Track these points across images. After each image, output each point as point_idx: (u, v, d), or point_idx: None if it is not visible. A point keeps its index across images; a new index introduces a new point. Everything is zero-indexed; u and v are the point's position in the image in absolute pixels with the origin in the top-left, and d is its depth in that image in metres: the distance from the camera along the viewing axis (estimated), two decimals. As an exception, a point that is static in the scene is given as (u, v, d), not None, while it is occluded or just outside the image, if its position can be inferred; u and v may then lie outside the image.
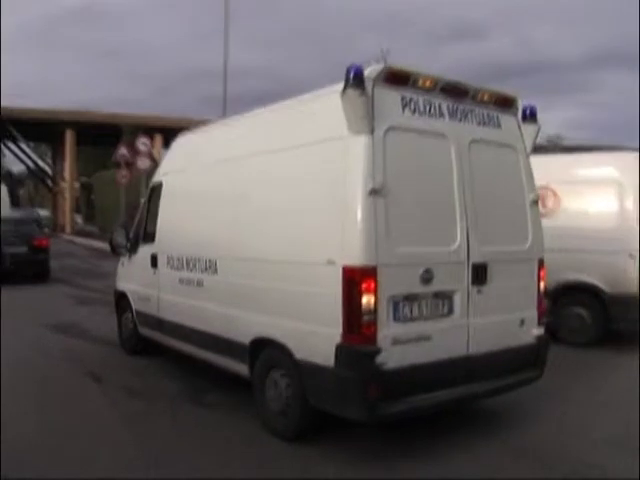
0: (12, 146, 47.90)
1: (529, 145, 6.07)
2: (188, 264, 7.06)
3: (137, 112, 39.15)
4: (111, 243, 8.88)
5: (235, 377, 6.35)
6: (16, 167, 60.18)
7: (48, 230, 41.33)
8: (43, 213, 49.00)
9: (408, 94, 5.19)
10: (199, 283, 6.85)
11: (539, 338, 5.95)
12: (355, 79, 4.79)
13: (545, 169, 9.53)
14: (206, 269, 6.70)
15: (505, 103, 5.92)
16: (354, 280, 4.79)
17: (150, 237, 8.09)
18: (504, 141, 5.88)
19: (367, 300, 4.77)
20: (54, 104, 41.87)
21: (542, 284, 6.05)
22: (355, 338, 4.82)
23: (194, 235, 7.08)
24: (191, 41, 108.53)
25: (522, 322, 5.83)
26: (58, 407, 6.43)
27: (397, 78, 5.13)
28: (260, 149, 6.12)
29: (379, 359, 4.79)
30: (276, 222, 5.75)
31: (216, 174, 6.87)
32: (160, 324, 7.74)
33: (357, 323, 4.79)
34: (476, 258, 5.44)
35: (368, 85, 4.88)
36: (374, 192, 4.80)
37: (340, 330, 4.86)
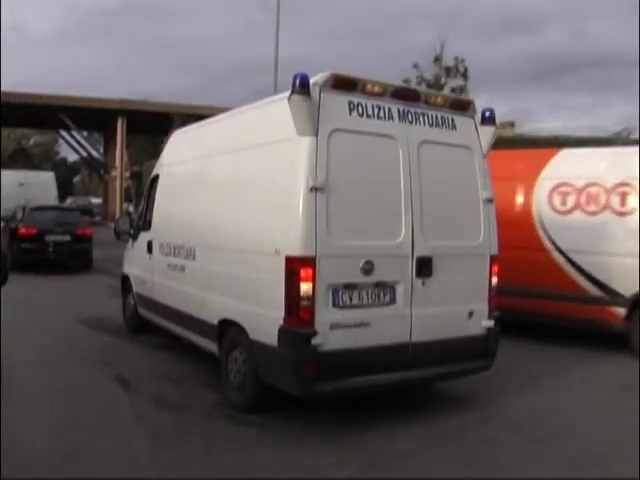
0: (66, 135, 49.54)
1: (486, 146, 6.40)
2: (175, 250, 7.72)
3: (189, 102, 40.29)
4: (115, 230, 9.57)
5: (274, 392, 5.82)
6: (71, 156, 62.45)
7: (99, 218, 42.90)
8: (95, 201, 50.86)
9: (356, 99, 5.62)
10: (182, 268, 7.50)
11: (489, 330, 6.31)
12: (300, 86, 5.26)
13: (625, 163, 8.86)
14: (187, 255, 7.35)
15: (460, 106, 6.29)
16: (294, 269, 5.29)
17: (148, 225, 8.81)
18: (459, 142, 6.24)
19: (305, 287, 5.27)
20: (109, 95, 42.90)
21: (494, 279, 6.40)
22: (294, 321, 5.32)
23: (179, 224, 7.75)
24: (245, 34, 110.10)
25: (470, 314, 6.20)
26: (77, 417, 5.86)
27: (344, 84, 5.57)
28: (226, 148, 6.78)
29: (315, 341, 5.27)
30: (237, 215, 6.32)
31: (194, 169, 7.60)
32: (154, 305, 8.43)
33: (296, 308, 5.30)
34: (421, 252, 5.83)
35: (315, 91, 5.34)
36: (315, 189, 5.27)
37: (283, 314, 5.37)
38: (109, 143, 47.65)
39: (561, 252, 9.21)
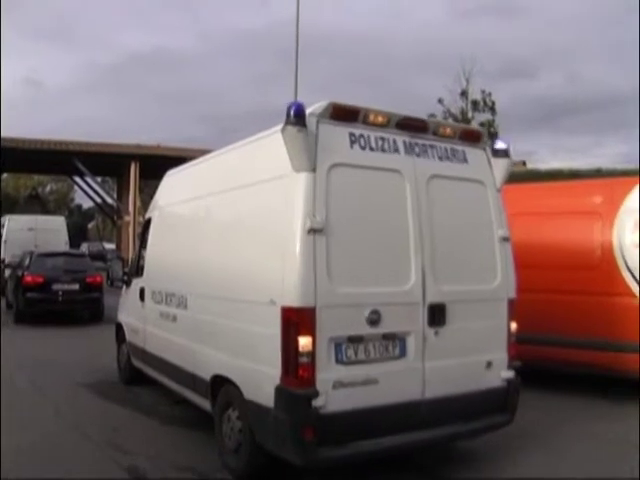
0: (80, 181, 49.67)
1: (500, 179, 5.87)
2: (166, 299, 7.19)
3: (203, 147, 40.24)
4: (108, 275, 9.16)
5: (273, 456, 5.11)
6: (86, 203, 62.72)
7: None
8: (109, 247, 50.69)
9: (358, 130, 5.12)
10: (174, 318, 6.95)
11: (509, 381, 5.70)
12: (295, 116, 4.74)
13: None
14: (179, 304, 6.80)
15: (471, 138, 5.77)
16: (291, 321, 4.72)
17: (141, 271, 8.32)
18: (471, 176, 5.72)
19: (304, 342, 4.68)
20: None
21: (513, 325, 5.79)
22: (292, 380, 4.72)
23: (171, 270, 7.23)
24: (256, 83, 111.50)
25: (488, 365, 5.60)
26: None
27: (344, 114, 5.06)
28: (217, 188, 6.27)
29: (317, 402, 4.67)
30: (229, 260, 5.79)
31: (184, 211, 7.14)
32: (146, 356, 7.89)
33: (294, 365, 4.70)
34: (433, 298, 5.25)
35: (312, 122, 4.84)
36: (314, 231, 4.72)
37: (279, 372, 4.79)
38: (122, 189, 47.59)
39: None
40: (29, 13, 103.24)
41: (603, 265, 8.16)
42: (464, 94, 30.81)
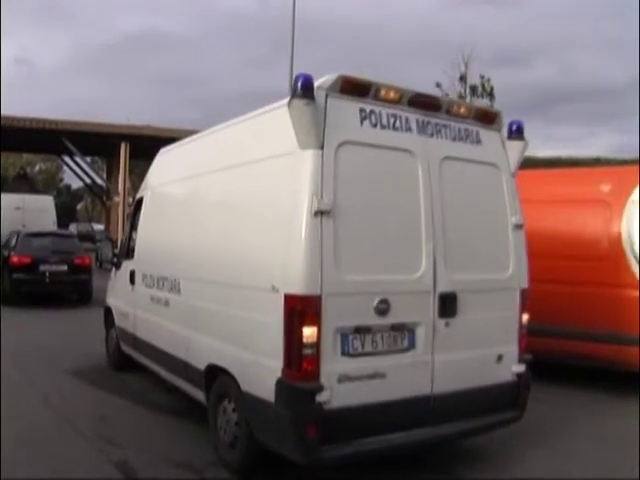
0: (69, 161, 49.03)
1: (514, 163, 5.55)
2: (158, 282, 6.86)
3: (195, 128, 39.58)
4: (97, 257, 8.84)
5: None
6: (75, 183, 62.02)
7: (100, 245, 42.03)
8: (97, 227, 50.20)
9: (369, 106, 4.77)
10: (166, 303, 6.63)
11: (520, 376, 5.42)
12: (302, 88, 4.40)
13: None
14: (172, 289, 6.48)
15: (486, 118, 5.45)
16: (295, 310, 4.39)
17: (131, 253, 7.98)
18: (484, 159, 5.40)
19: (309, 332, 4.36)
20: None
21: (525, 317, 5.50)
22: (295, 373, 4.40)
23: (163, 253, 6.89)
24: (249, 68, 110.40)
25: (499, 358, 5.33)
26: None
27: (355, 89, 4.71)
28: (215, 167, 5.90)
29: (321, 397, 4.37)
30: (227, 243, 5.45)
31: (178, 191, 6.76)
32: (136, 342, 7.57)
33: (297, 357, 4.38)
34: (444, 287, 4.94)
35: (320, 96, 4.49)
36: (321, 213, 4.39)
37: (281, 364, 4.47)
38: (112, 169, 47.01)
39: None
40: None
41: (611, 256, 7.85)
42: (462, 79, 30.67)
